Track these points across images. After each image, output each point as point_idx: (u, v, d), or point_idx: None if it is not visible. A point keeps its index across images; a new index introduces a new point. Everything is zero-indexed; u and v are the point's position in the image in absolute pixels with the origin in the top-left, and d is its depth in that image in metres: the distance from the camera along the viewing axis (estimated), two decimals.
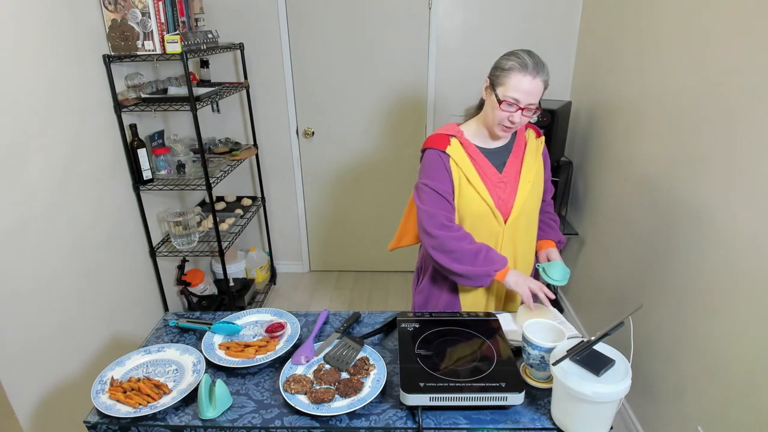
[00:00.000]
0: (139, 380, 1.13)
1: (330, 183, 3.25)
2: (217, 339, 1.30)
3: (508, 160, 1.47)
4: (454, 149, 1.42)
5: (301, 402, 1.07)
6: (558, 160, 2.65)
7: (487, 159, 1.45)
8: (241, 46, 2.78)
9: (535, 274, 1.62)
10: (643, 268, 1.99)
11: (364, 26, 2.84)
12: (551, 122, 2.39)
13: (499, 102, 1.34)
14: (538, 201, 1.52)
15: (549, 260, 1.57)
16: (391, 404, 1.09)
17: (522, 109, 1.33)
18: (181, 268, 2.65)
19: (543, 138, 1.55)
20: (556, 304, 2.88)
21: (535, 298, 1.38)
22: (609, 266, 2.32)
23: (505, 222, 1.45)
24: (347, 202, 3.30)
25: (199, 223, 2.60)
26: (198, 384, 1.11)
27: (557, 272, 1.48)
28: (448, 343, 1.19)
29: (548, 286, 1.83)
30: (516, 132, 1.51)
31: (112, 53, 2.14)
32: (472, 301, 1.55)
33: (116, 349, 2.18)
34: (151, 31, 2.10)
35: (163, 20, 2.12)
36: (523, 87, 1.30)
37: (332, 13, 2.82)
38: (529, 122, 1.51)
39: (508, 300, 1.59)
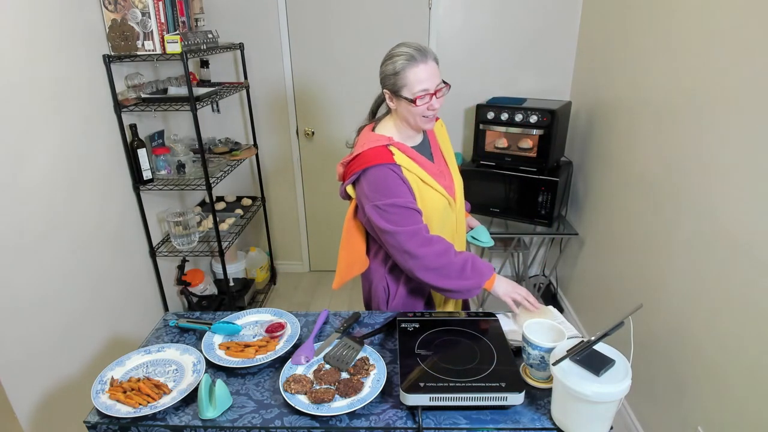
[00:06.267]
0: (139, 380, 1.13)
1: (330, 183, 3.25)
2: (217, 339, 1.30)
3: (432, 150, 1.49)
4: (399, 157, 1.34)
5: (301, 402, 1.07)
6: (558, 160, 2.65)
7: (421, 155, 1.43)
8: (241, 46, 2.78)
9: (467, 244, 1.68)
10: (643, 268, 1.99)
11: (363, 26, 2.84)
12: (551, 122, 2.39)
13: (413, 101, 1.30)
14: None
15: (471, 228, 1.68)
16: (391, 404, 1.09)
17: (434, 94, 1.32)
18: (181, 268, 2.65)
19: (441, 120, 1.59)
20: (556, 304, 2.89)
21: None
22: (609, 266, 2.32)
23: (456, 206, 1.49)
24: (347, 202, 3.30)
25: (199, 223, 2.60)
26: (198, 384, 1.11)
27: (484, 235, 1.64)
28: (448, 343, 1.18)
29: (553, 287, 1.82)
30: None
31: (112, 53, 2.14)
32: (443, 307, 1.57)
33: (116, 349, 2.18)
34: (151, 31, 2.10)
35: (163, 20, 2.12)
36: (423, 76, 1.29)
37: (332, 14, 2.82)
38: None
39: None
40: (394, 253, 1.35)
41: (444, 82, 1.34)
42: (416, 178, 1.36)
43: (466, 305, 1.69)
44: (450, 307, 1.59)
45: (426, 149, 1.47)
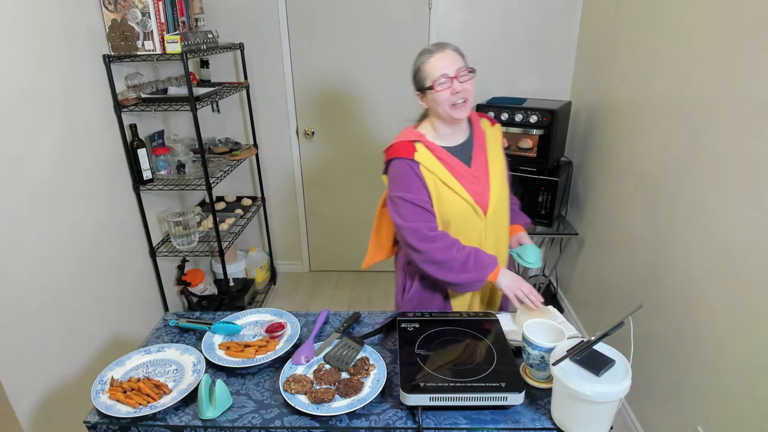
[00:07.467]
0: (139, 380, 1.13)
1: (330, 183, 3.25)
2: (217, 339, 1.30)
3: (473, 153, 1.46)
4: (422, 155, 1.37)
5: (301, 402, 1.07)
6: (558, 160, 2.65)
7: (455, 157, 1.42)
8: (241, 46, 2.78)
9: (510, 260, 1.62)
10: (643, 268, 1.99)
11: (364, 26, 2.84)
12: (551, 122, 2.39)
13: (433, 87, 1.34)
14: (508, 188, 1.53)
15: (520, 244, 1.60)
16: (391, 404, 1.09)
17: (455, 78, 1.33)
18: (181, 268, 2.65)
19: (499, 125, 1.58)
20: (556, 304, 2.89)
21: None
22: (609, 266, 2.32)
23: (485, 215, 1.44)
24: (347, 202, 3.30)
25: (199, 223, 2.60)
26: (198, 384, 1.11)
27: (531, 255, 1.53)
28: (448, 343, 1.18)
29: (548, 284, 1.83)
30: (472, 125, 1.51)
31: (112, 53, 2.14)
32: (462, 305, 1.55)
33: (116, 349, 2.18)
34: (151, 31, 2.10)
35: (163, 20, 2.12)
36: (440, 64, 1.33)
37: (332, 13, 2.82)
38: (488, 116, 1.54)
39: (496, 298, 1.60)
40: (402, 245, 1.42)
41: (471, 68, 1.35)
42: (435, 178, 1.37)
43: (504, 306, 1.64)
44: (476, 306, 1.56)
45: (466, 152, 1.45)
